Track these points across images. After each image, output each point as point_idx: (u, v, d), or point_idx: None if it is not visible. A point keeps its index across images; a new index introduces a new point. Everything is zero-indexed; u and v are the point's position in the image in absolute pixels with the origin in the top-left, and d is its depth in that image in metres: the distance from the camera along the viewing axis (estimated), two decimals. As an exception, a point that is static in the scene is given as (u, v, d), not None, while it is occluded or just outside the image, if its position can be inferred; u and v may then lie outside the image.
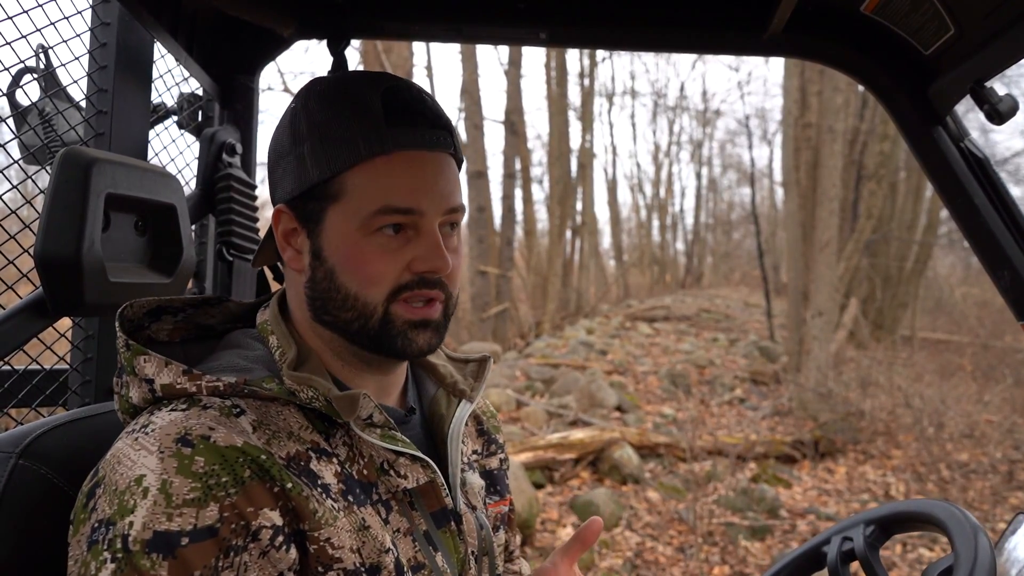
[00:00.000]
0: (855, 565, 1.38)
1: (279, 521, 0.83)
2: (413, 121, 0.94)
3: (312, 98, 0.97)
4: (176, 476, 0.79)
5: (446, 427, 1.09)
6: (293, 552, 0.84)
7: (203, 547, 0.78)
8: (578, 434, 7.23)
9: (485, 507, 1.14)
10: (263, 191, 1.57)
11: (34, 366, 1.45)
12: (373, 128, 0.92)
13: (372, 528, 0.91)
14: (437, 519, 1.00)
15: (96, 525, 0.80)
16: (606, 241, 37.92)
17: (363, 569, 0.88)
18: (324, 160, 0.93)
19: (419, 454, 0.98)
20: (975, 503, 6.61)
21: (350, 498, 0.91)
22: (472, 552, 1.05)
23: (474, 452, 1.20)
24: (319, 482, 0.89)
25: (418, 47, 15.83)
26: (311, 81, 1.01)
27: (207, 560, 0.78)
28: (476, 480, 1.13)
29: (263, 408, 0.92)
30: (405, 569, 0.93)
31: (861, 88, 1.67)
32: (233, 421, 0.87)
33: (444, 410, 1.11)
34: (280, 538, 0.83)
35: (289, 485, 0.85)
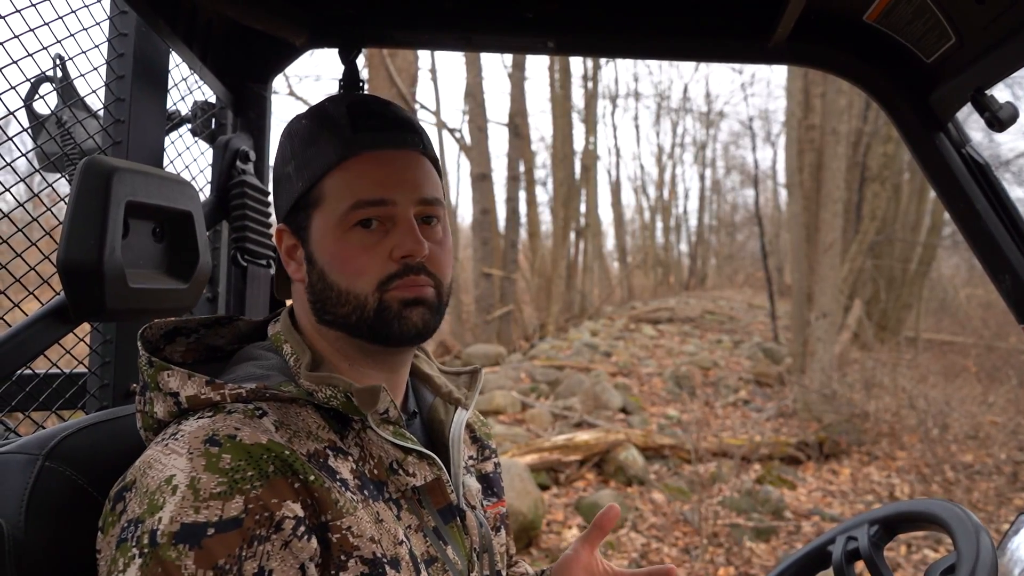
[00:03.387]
0: (860, 564, 1.41)
1: (301, 513, 0.86)
2: (378, 125, 1.03)
3: (295, 124, 1.08)
4: (204, 473, 0.83)
5: (447, 431, 1.14)
6: (314, 543, 0.87)
7: (228, 537, 0.80)
8: (583, 436, 7.25)
9: (483, 508, 1.19)
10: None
11: (54, 370, 1.47)
12: (340, 136, 1.02)
13: (386, 522, 0.95)
14: (444, 515, 1.05)
15: (126, 525, 0.83)
16: (610, 243, 37.97)
17: (384, 559, 0.91)
18: (305, 172, 1.03)
19: (427, 452, 1.03)
20: (979, 504, 6.61)
21: (365, 492, 0.96)
22: (474, 548, 1.10)
23: (470, 457, 1.26)
24: (338, 476, 0.93)
25: (423, 51, 15.84)
26: (298, 112, 1.11)
27: (231, 550, 0.80)
28: (473, 483, 1.19)
29: (283, 409, 0.96)
30: (420, 561, 0.97)
31: (864, 92, 1.70)
32: (257, 422, 0.91)
33: (443, 416, 1.17)
34: (302, 528, 0.86)
35: (312, 478, 0.89)
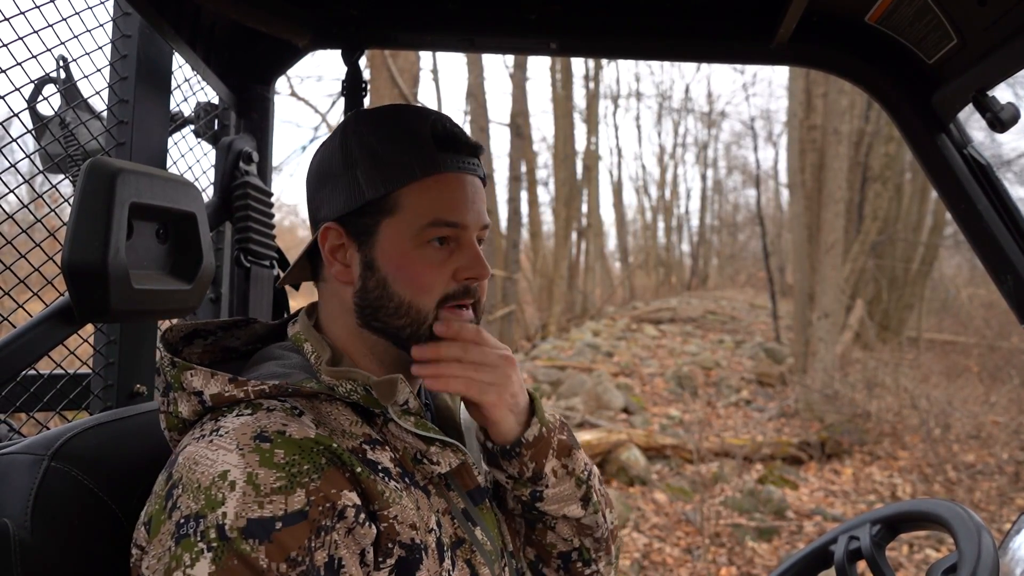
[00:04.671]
0: (862, 564, 1.41)
1: (358, 501, 0.89)
2: (457, 148, 1.06)
3: (363, 126, 1.07)
4: (260, 468, 0.85)
5: (456, 417, 1.20)
6: (374, 529, 0.91)
7: (296, 530, 0.82)
8: (585, 436, 7.25)
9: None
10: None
11: (58, 370, 1.48)
12: (425, 151, 1.04)
13: (422, 509, 0.98)
14: (474, 497, 1.09)
15: (182, 521, 0.83)
16: (612, 243, 37.97)
17: (420, 545, 0.94)
18: (379, 179, 1.03)
19: (449, 440, 1.04)
20: (981, 504, 6.61)
21: (406, 480, 0.99)
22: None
23: None
24: (379, 467, 0.96)
25: (424, 52, 15.85)
26: (357, 112, 1.11)
27: (301, 541, 0.82)
28: (482, 467, 1.21)
29: (316, 408, 0.98)
30: (446, 547, 1.00)
31: (866, 92, 1.70)
32: (299, 420, 0.93)
33: (450, 403, 1.22)
34: (363, 515, 0.89)
35: (359, 469, 0.91)
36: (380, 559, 0.92)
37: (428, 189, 1.03)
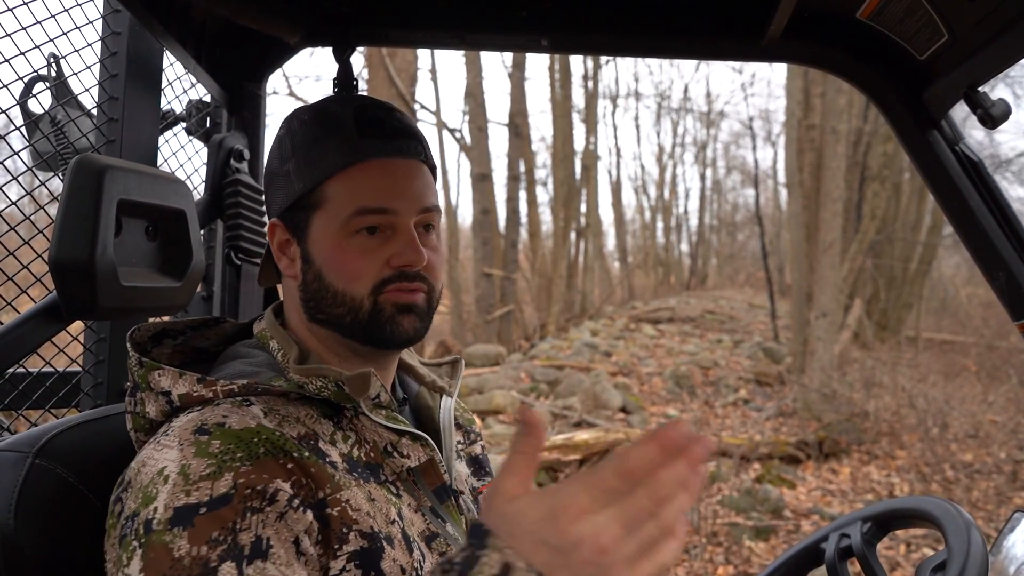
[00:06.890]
0: (853, 561, 1.41)
1: (291, 492, 0.87)
2: (383, 132, 1.04)
3: (295, 122, 1.08)
4: (194, 459, 0.84)
5: (436, 417, 1.19)
6: (310, 515, 0.87)
7: (220, 513, 0.81)
8: (583, 435, 7.24)
9: (471, 493, 1.21)
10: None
11: (48, 368, 1.47)
12: (346, 140, 1.02)
13: (378, 501, 0.96)
14: (439, 495, 1.08)
15: (125, 521, 0.84)
16: (610, 243, 37.99)
17: (380, 534, 0.92)
18: (307, 173, 1.03)
19: (420, 433, 1.05)
20: (979, 503, 6.61)
21: (355, 474, 0.97)
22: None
23: (458, 443, 1.29)
24: (327, 459, 0.94)
25: (422, 51, 15.82)
26: (295, 109, 1.11)
27: (225, 523, 0.81)
28: (463, 468, 1.23)
29: (271, 400, 0.97)
30: (414, 539, 0.98)
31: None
32: (245, 409, 0.93)
33: (430, 403, 1.21)
34: (296, 501, 0.87)
35: (306, 454, 0.90)
36: (336, 546, 0.89)
37: (351, 178, 1.02)
